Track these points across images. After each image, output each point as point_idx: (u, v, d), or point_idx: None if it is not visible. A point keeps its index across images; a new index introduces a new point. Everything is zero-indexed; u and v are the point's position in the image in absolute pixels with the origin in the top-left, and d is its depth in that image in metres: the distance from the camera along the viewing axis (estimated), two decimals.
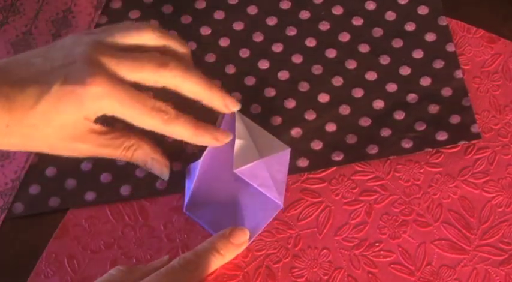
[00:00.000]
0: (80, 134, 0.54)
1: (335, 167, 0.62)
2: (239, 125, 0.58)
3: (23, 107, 0.52)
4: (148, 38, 0.56)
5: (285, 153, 0.59)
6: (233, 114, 0.58)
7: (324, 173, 0.62)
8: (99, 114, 0.53)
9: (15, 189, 0.62)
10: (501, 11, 0.68)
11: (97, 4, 0.69)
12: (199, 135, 0.56)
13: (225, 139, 0.57)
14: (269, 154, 0.58)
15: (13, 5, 0.66)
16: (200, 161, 0.59)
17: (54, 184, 0.62)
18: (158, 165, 0.58)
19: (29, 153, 0.63)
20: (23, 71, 0.53)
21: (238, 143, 0.57)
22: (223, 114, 0.58)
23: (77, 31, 0.67)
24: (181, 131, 0.55)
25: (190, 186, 0.60)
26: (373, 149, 0.62)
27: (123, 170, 0.62)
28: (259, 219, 0.60)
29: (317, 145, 0.63)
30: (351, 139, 0.63)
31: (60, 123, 0.53)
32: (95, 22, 0.68)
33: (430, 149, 0.62)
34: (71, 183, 0.62)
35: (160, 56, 0.55)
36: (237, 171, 0.57)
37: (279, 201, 0.60)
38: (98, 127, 0.54)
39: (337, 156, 0.62)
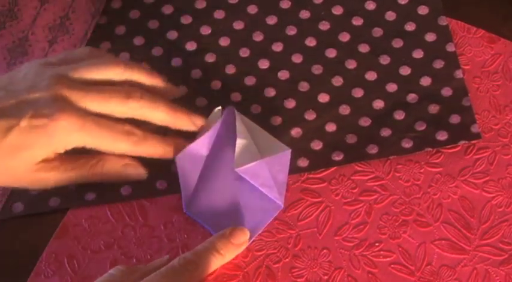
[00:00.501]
0: (45, 167, 0.55)
1: (335, 167, 0.62)
2: (240, 125, 0.58)
3: None
4: (114, 73, 0.57)
5: (286, 154, 0.59)
6: (233, 114, 0.58)
7: (324, 173, 0.62)
8: (69, 147, 0.55)
9: (5, 197, 0.62)
10: (501, 11, 0.68)
11: (94, 11, 0.69)
12: (169, 153, 0.58)
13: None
14: (270, 154, 0.58)
15: (10, 10, 0.66)
16: (200, 156, 0.59)
17: None
18: (131, 168, 0.58)
19: None
20: None
21: (239, 142, 0.57)
22: (220, 116, 0.59)
23: (74, 38, 0.68)
24: (151, 150, 0.57)
25: (186, 181, 0.60)
26: (373, 149, 0.62)
27: None
28: (259, 220, 0.60)
29: (317, 145, 0.63)
30: (351, 139, 0.63)
31: (28, 157, 0.54)
32: (91, 29, 0.68)
33: (430, 149, 0.62)
34: None
35: (126, 88, 0.57)
36: (238, 170, 0.57)
37: (280, 202, 0.60)
38: (63, 155, 0.55)
39: (337, 156, 0.62)
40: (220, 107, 0.59)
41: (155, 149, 0.57)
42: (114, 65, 0.58)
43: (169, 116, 0.58)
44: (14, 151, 0.53)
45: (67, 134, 0.53)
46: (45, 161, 0.55)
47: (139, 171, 0.58)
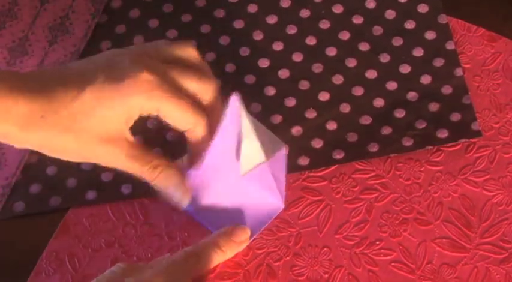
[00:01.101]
0: (115, 137, 0.53)
1: (336, 166, 0.62)
2: (245, 123, 0.56)
3: (64, 97, 0.51)
4: (190, 54, 0.56)
5: (283, 151, 0.59)
6: (236, 106, 0.57)
7: (325, 172, 0.62)
8: (144, 112, 0.53)
9: (5, 196, 0.62)
10: (501, 10, 0.68)
11: (95, 12, 0.69)
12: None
13: None
14: (271, 154, 0.58)
15: (10, 10, 0.66)
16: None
17: (55, 183, 0.62)
18: (180, 193, 0.57)
19: (20, 160, 0.63)
20: (64, 69, 0.53)
21: (245, 143, 0.56)
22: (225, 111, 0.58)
23: (74, 38, 0.68)
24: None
25: (187, 179, 0.60)
26: (373, 147, 0.62)
27: None
28: (260, 219, 0.60)
29: (317, 143, 0.63)
30: (352, 137, 0.63)
31: (101, 117, 0.52)
32: (91, 29, 0.68)
33: (430, 147, 0.62)
34: (71, 182, 0.62)
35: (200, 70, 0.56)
36: (245, 176, 0.57)
37: (281, 202, 0.60)
38: (132, 138, 0.54)
39: (338, 155, 0.62)
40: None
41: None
42: (191, 47, 0.56)
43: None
44: (89, 109, 0.51)
45: (145, 92, 0.51)
46: (119, 134, 0.53)
47: (182, 199, 0.57)
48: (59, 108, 0.51)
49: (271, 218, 0.60)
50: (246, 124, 0.56)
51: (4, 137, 0.52)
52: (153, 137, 0.63)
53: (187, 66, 0.55)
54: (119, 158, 0.54)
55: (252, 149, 0.57)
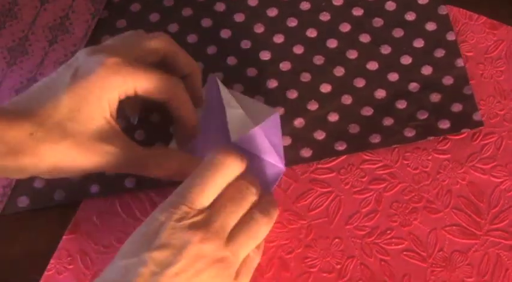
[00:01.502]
0: (107, 134, 0.53)
1: (343, 157, 0.62)
2: (225, 94, 0.57)
3: (44, 110, 0.51)
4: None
5: (276, 116, 0.59)
6: (216, 84, 0.58)
7: (333, 163, 0.62)
8: (122, 94, 0.53)
9: (6, 196, 0.61)
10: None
11: (94, 11, 0.68)
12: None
13: None
14: (262, 120, 0.57)
15: (10, 10, 0.65)
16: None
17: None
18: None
19: None
20: (27, 91, 0.53)
21: (230, 112, 0.57)
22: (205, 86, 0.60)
23: (74, 38, 0.67)
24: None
25: None
26: (376, 138, 0.62)
27: None
28: (264, 186, 0.59)
29: (320, 135, 0.63)
30: (354, 129, 0.63)
31: (88, 116, 0.52)
32: (91, 29, 0.68)
33: (432, 138, 0.62)
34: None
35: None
36: (235, 141, 0.56)
37: (281, 165, 0.60)
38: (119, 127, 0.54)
39: (341, 146, 0.62)
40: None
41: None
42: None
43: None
44: (73, 114, 0.51)
45: (116, 74, 0.52)
46: (109, 129, 0.53)
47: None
48: (44, 121, 0.51)
49: (276, 182, 0.60)
50: (226, 96, 0.57)
51: (14, 171, 0.51)
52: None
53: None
54: (117, 154, 0.54)
55: (238, 117, 0.57)
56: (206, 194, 0.51)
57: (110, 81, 0.52)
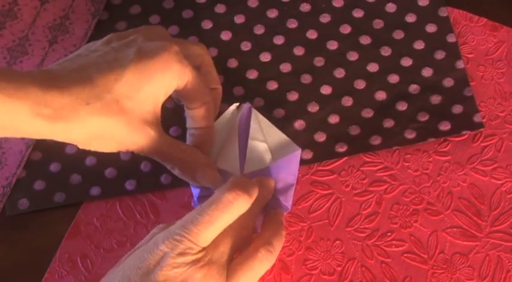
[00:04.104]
0: (152, 118, 0.53)
1: (344, 159, 0.62)
2: (254, 125, 0.58)
3: (105, 82, 0.50)
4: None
5: (297, 154, 0.58)
6: (249, 112, 0.58)
7: (333, 165, 0.62)
8: (177, 85, 0.53)
9: (6, 196, 0.61)
10: (503, 0, 0.68)
11: (94, 11, 0.68)
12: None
13: None
14: (280, 157, 0.58)
15: (10, 10, 0.65)
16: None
17: (59, 179, 0.62)
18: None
19: (21, 159, 0.62)
20: (85, 58, 0.52)
21: (251, 144, 0.57)
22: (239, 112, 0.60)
23: (74, 38, 0.67)
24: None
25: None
26: (376, 140, 0.62)
27: (128, 165, 0.62)
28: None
29: (320, 137, 0.63)
30: (354, 130, 0.63)
31: (145, 97, 0.51)
32: (91, 29, 0.68)
33: (433, 139, 0.62)
34: (75, 178, 0.62)
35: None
36: (246, 173, 0.57)
37: (287, 204, 0.58)
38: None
39: (341, 148, 0.62)
40: (237, 104, 0.60)
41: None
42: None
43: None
44: (132, 92, 0.51)
45: (178, 62, 0.52)
46: (157, 115, 0.53)
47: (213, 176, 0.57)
48: (102, 94, 0.50)
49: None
50: (254, 127, 0.58)
51: (51, 133, 0.50)
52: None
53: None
54: (155, 141, 0.53)
55: (258, 149, 0.57)
56: (211, 232, 0.50)
57: (172, 67, 0.52)
